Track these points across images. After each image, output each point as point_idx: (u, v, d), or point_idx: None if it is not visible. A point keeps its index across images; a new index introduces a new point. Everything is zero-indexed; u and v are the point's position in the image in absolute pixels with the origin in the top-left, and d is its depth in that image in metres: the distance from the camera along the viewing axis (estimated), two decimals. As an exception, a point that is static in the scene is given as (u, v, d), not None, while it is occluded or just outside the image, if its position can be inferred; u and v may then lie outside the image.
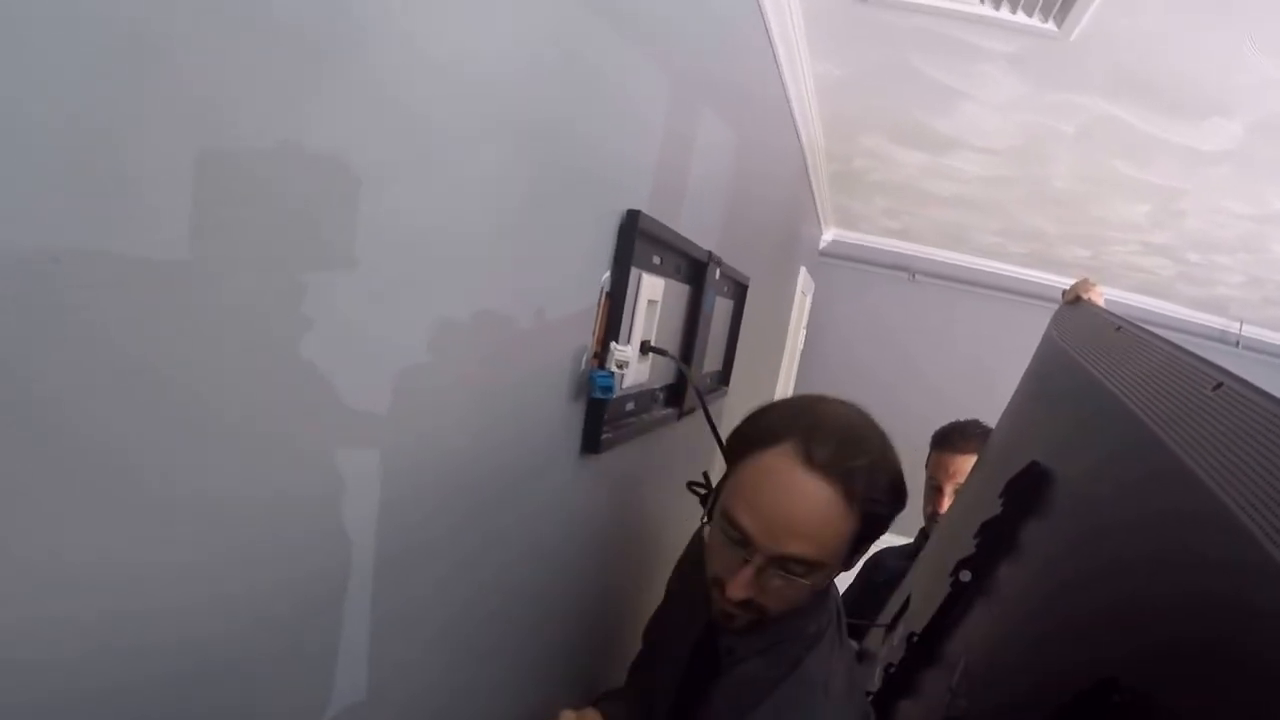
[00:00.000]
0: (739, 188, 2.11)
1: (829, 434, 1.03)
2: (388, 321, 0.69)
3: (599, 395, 1.18)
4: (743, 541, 1.04)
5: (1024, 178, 3.69)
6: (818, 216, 4.86)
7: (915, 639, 1.33)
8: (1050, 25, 2.17)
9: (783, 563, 1.02)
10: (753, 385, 3.20)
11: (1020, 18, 2.16)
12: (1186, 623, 0.66)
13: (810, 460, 1.01)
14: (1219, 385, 0.85)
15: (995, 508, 1.24)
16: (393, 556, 0.77)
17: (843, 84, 2.85)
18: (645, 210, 1.22)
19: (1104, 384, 1.15)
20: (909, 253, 5.95)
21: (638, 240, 1.20)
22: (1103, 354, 1.29)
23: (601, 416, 1.22)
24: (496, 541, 1.01)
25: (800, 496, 1.01)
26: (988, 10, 2.13)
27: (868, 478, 1.02)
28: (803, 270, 4.60)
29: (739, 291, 2.35)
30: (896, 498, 1.07)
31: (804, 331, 5.47)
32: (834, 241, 5.96)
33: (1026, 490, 1.19)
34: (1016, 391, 1.80)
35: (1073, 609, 0.91)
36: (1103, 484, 0.99)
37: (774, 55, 2.30)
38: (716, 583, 1.08)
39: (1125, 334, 1.29)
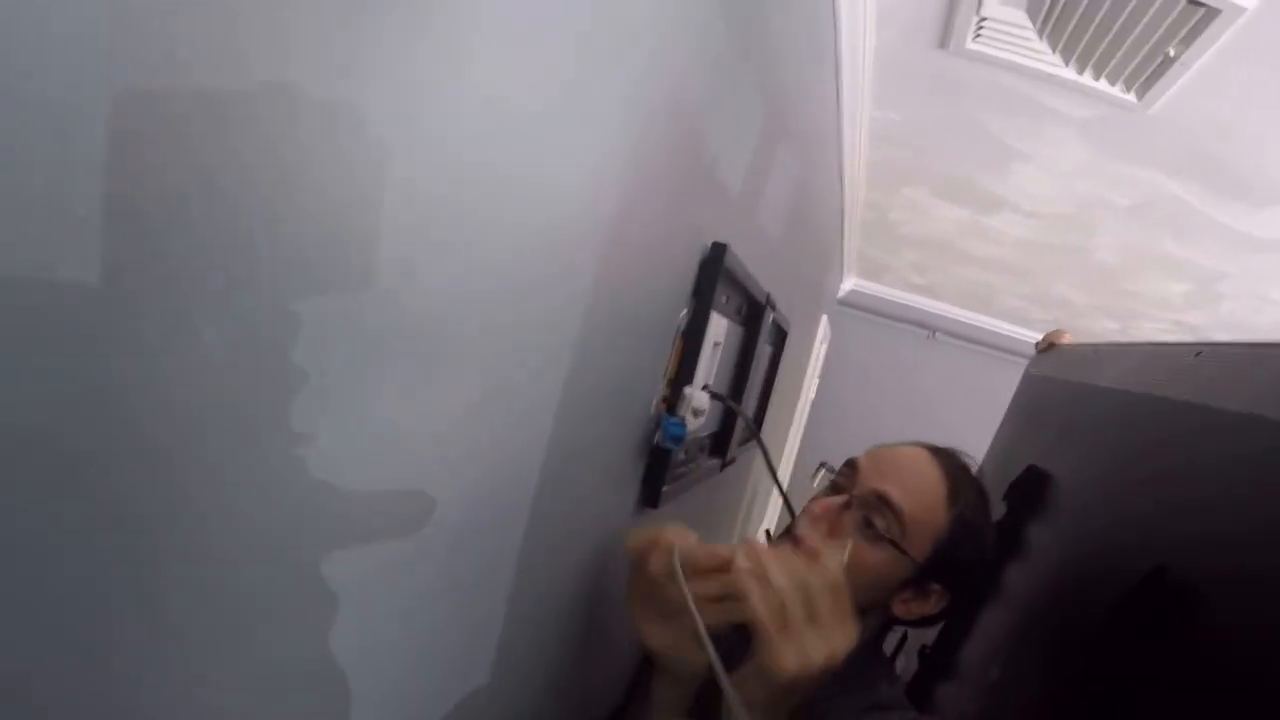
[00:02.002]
0: (789, 228, 2.08)
1: (953, 453, 1.19)
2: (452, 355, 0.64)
3: (666, 444, 1.13)
4: (847, 477, 1.14)
5: (1064, 246, 3.69)
6: (841, 263, 4.85)
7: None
8: (1130, 96, 2.16)
9: (875, 504, 1.09)
10: (770, 436, 3.15)
11: (1102, 85, 2.14)
12: (1214, 509, 0.83)
13: (932, 449, 1.17)
14: (1199, 353, 1.05)
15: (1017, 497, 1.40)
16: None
17: (899, 131, 2.84)
18: (730, 244, 1.18)
19: (1096, 385, 1.34)
20: (931, 310, 5.94)
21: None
22: (1088, 369, 1.46)
23: (665, 467, 1.17)
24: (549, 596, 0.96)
25: (914, 456, 1.15)
26: (1071, 74, 2.12)
27: (969, 497, 1.14)
28: (824, 318, 4.58)
29: (780, 338, 2.32)
30: (982, 534, 1.15)
31: (817, 380, 5.44)
32: (853, 291, 5.94)
33: (1029, 491, 1.35)
34: (998, 436, 1.98)
35: (1116, 523, 1.09)
36: (1109, 453, 1.18)
37: (838, 96, 2.28)
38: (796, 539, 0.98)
39: (1102, 351, 1.47)
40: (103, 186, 0.31)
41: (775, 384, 2.39)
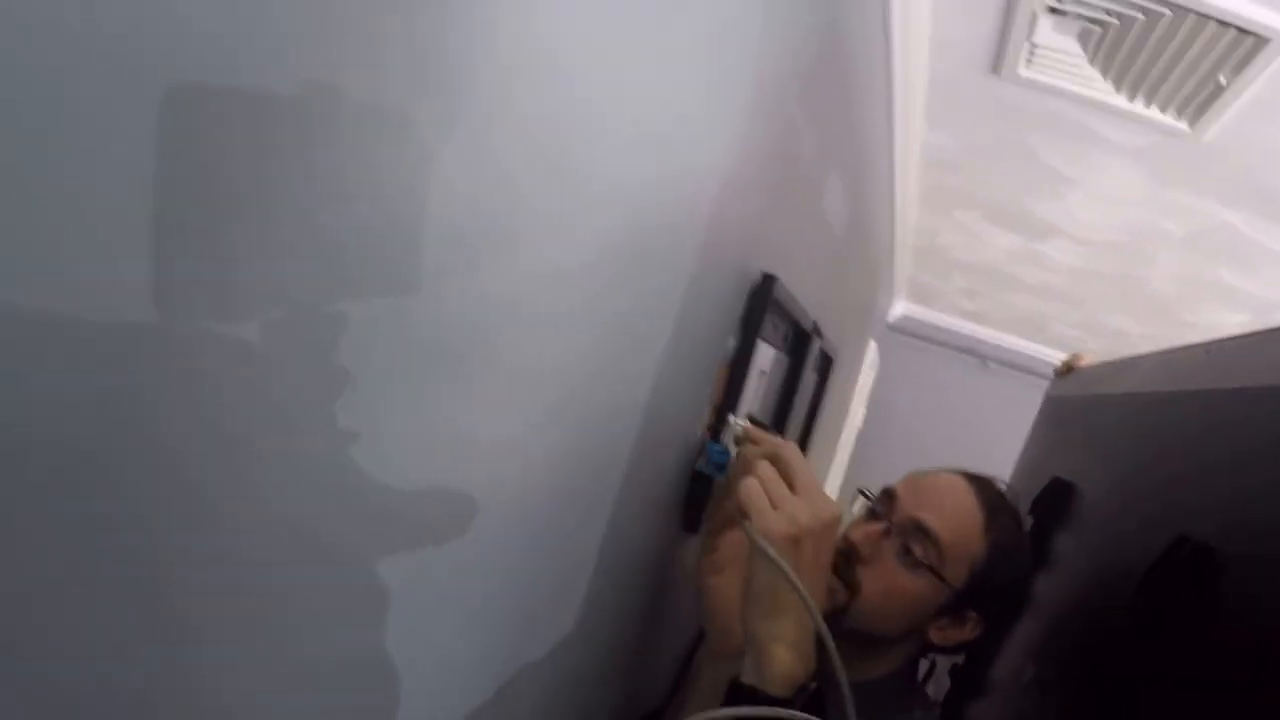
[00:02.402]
0: (838, 253, 2.10)
1: (989, 480, 1.21)
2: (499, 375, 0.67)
3: (708, 471, 1.15)
4: (886, 505, 1.17)
5: (1118, 274, 3.66)
6: (891, 287, 4.85)
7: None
8: (1183, 124, 2.16)
9: (913, 532, 1.11)
10: (814, 463, 3.16)
11: (1154, 113, 2.15)
12: (1242, 487, 0.85)
13: (969, 476, 1.20)
14: (1208, 349, 1.11)
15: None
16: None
17: (952, 156, 2.85)
18: (780, 275, 1.20)
19: (1112, 393, 1.38)
20: (982, 337, 5.90)
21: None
22: (1105, 383, 1.49)
23: (706, 493, 1.19)
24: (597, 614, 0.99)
25: (950, 484, 1.17)
26: (1123, 102, 2.12)
27: (1005, 523, 1.16)
28: (872, 344, 4.57)
29: (825, 365, 2.33)
30: (1018, 560, 1.18)
31: (864, 409, 5.42)
32: (904, 316, 5.92)
33: (1055, 502, 1.37)
34: (1021, 458, 2.02)
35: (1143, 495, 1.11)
36: (1134, 447, 1.20)
37: (889, 120, 2.30)
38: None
39: (1117, 365, 1.50)
40: (153, 186, 0.33)
41: (820, 411, 2.40)
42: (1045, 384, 2.00)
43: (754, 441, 1.07)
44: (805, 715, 0.87)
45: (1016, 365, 5.84)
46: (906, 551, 1.11)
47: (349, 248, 0.44)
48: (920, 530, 1.11)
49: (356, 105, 0.41)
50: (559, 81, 0.56)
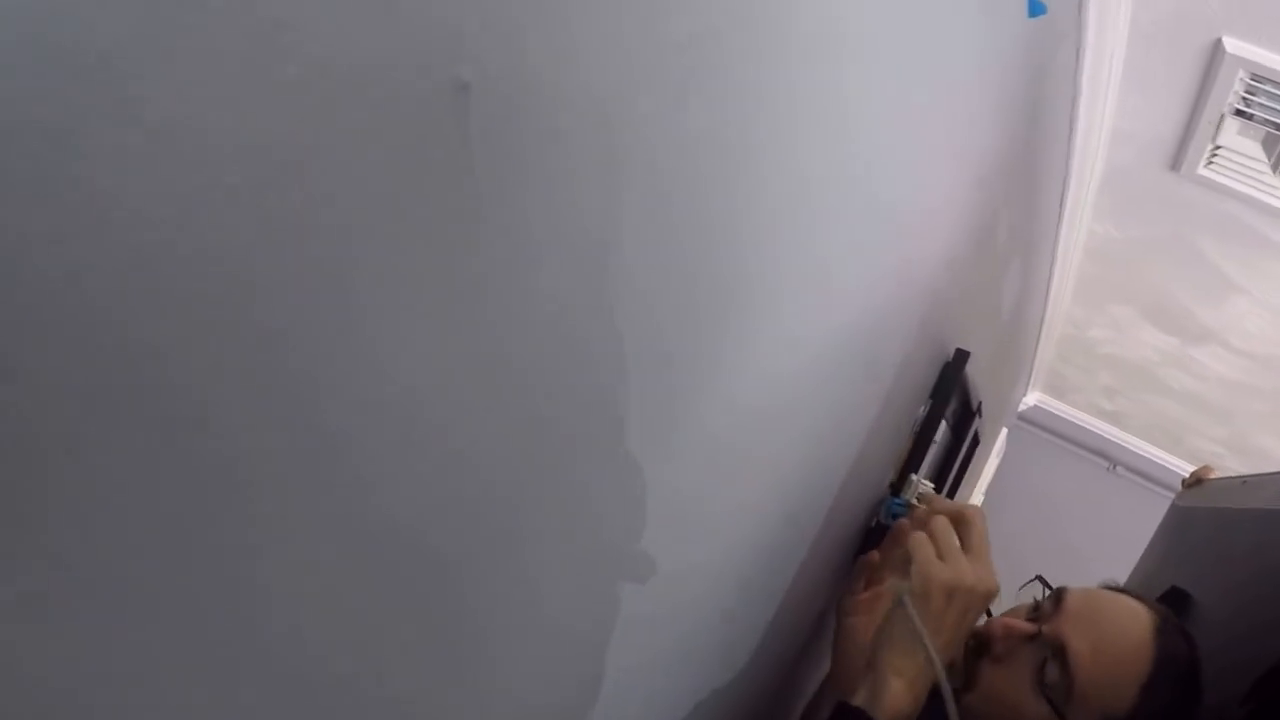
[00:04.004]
0: (1000, 337, 2.15)
1: (1183, 635, 1.07)
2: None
3: (886, 522, 1.22)
4: (1049, 607, 1.08)
5: (1274, 391, 3.61)
6: (1029, 376, 4.83)
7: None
8: (1371, 240, 2.17)
9: (1054, 652, 1.02)
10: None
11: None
12: None
13: (1163, 620, 1.06)
14: None
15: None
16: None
17: (1115, 248, 2.88)
18: (973, 351, 1.28)
19: (1245, 508, 1.36)
20: (1115, 439, 5.79)
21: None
22: (1236, 497, 1.47)
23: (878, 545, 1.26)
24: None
25: (1130, 618, 1.05)
26: (1308, 211, 2.15)
27: (1170, 695, 1.02)
28: (1004, 432, 4.56)
29: (973, 446, 2.37)
30: (1192, 678, 1.05)
31: (983, 497, 5.38)
32: (1035, 407, 5.86)
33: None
34: (1138, 566, 2.00)
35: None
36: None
37: (1061, 207, 2.35)
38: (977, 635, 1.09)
39: (1251, 481, 1.48)
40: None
41: (957, 491, 2.44)
42: (1171, 497, 2.00)
43: (931, 504, 1.11)
44: None
45: (1146, 474, 5.70)
46: (1041, 669, 1.02)
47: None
48: (1062, 654, 1.01)
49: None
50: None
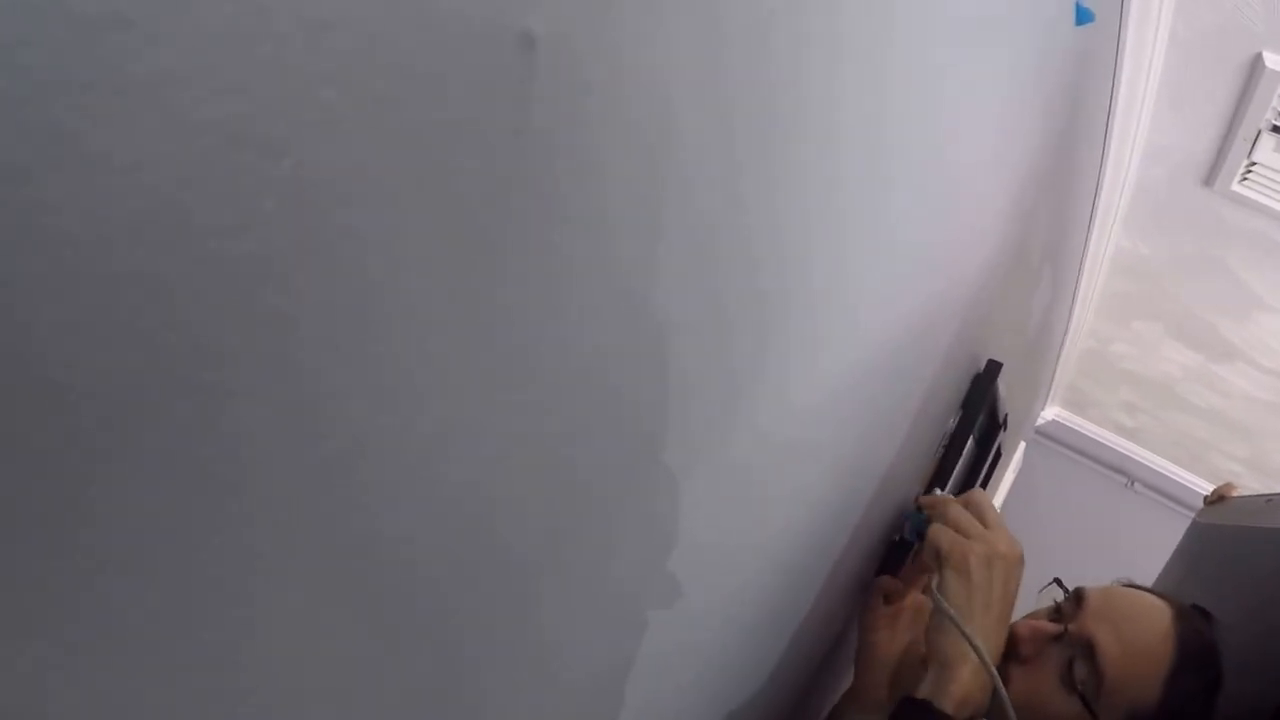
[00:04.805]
0: (1027, 350, 2.13)
1: (1202, 626, 1.12)
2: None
3: (910, 537, 1.21)
4: (1071, 607, 1.11)
5: (1299, 411, 3.59)
6: (1048, 391, 4.81)
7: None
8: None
9: (1082, 650, 1.05)
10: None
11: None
12: None
13: (1180, 611, 1.10)
14: None
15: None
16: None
17: (1142, 263, 2.86)
18: (1005, 362, 1.27)
19: (1268, 527, 1.35)
20: (1134, 456, 5.76)
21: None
22: (1260, 516, 1.45)
23: (902, 563, 1.24)
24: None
25: (1150, 612, 1.09)
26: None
27: (1194, 684, 1.06)
28: (1022, 446, 4.54)
29: (996, 459, 2.36)
30: (1212, 666, 1.09)
31: (1000, 512, 5.35)
32: (1052, 422, 5.83)
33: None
34: (1158, 582, 1.90)
35: None
36: None
37: (1090, 221, 2.34)
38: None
39: (1275, 500, 1.47)
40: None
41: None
42: (1190, 515, 1.98)
43: (937, 503, 1.12)
44: None
45: (1165, 492, 5.67)
46: (1069, 667, 1.06)
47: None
48: (1089, 650, 1.05)
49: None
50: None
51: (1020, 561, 1.03)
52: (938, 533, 1.03)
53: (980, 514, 1.05)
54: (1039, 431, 5.75)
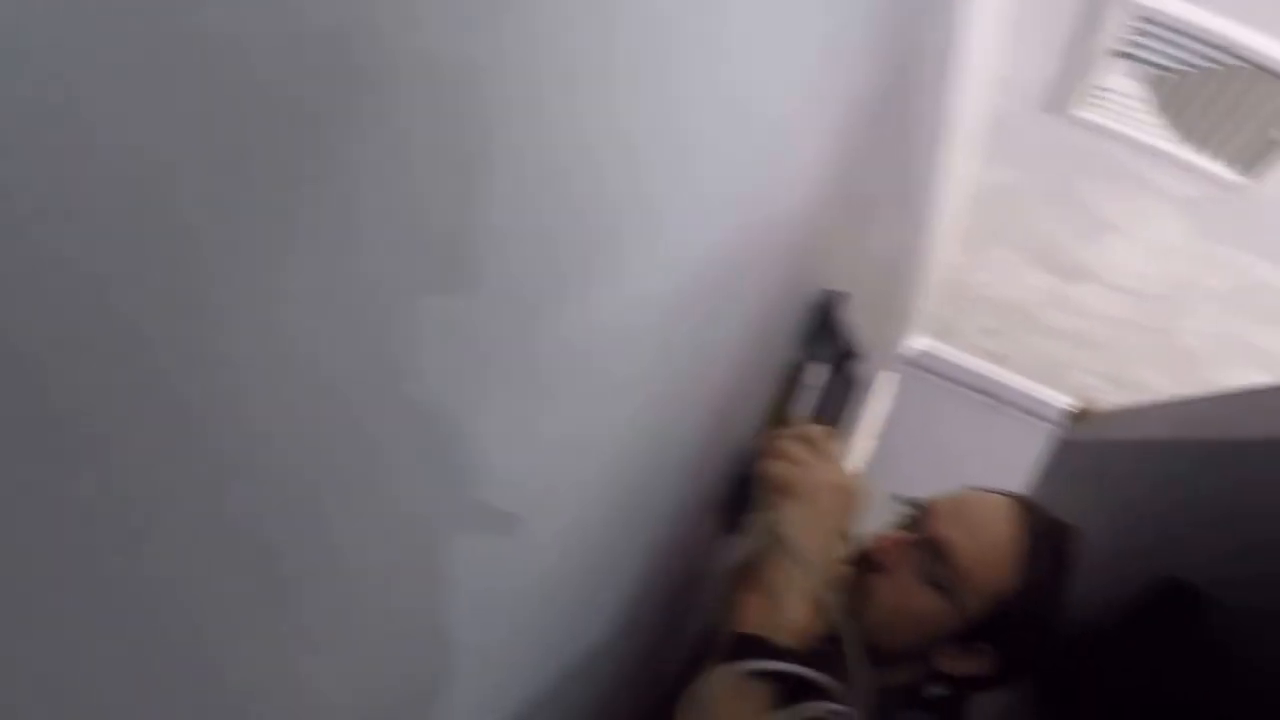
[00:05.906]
0: (877, 282, 2.17)
1: (1044, 515, 1.18)
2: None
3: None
4: (919, 516, 1.17)
5: (1150, 326, 3.73)
6: (914, 322, 4.91)
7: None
8: (1238, 176, 2.23)
9: (935, 549, 1.11)
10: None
11: (1208, 162, 2.22)
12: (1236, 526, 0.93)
13: (1023, 504, 1.17)
14: (1219, 401, 1.23)
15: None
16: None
17: (996, 193, 2.92)
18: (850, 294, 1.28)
19: (1127, 439, 1.44)
20: (999, 379, 5.94)
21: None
22: (1120, 428, 1.56)
23: (749, 496, 1.25)
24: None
25: (992, 508, 1.16)
26: (1180, 149, 2.20)
27: (1046, 563, 1.13)
28: (882, 376, 4.63)
29: (858, 392, 2.40)
30: (1047, 604, 1.14)
31: (876, 443, 5.48)
32: (924, 353, 5.97)
33: None
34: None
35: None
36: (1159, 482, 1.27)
37: (936, 153, 2.37)
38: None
39: (1144, 410, 1.58)
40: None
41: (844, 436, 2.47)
42: (1056, 430, 2.06)
43: (768, 437, 1.15)
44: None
45: (1030, 410, 5.88)
46: (928, 569, 1.11)
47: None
48: (941, 548, 1.11)
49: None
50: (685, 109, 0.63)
51: (854, 490, 1.07)
52: (767, 464, 1.06)
53: (814, 445, 1.08)
54: (911, 362, 5.88)
